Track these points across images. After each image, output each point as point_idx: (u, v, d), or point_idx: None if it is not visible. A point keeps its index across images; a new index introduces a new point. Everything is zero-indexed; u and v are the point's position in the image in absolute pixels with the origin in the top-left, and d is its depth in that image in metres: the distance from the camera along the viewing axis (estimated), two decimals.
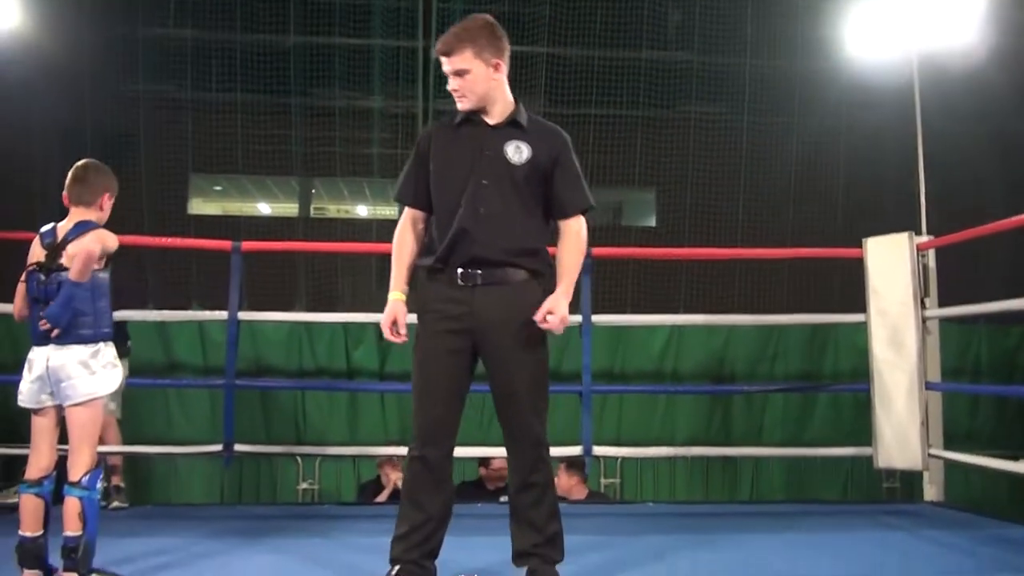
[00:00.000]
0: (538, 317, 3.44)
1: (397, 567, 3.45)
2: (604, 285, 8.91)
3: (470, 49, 3.49)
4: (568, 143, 3.64)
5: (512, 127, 3.58)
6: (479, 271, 3.48)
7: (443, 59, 3.52)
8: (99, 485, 3.72)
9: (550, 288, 3.56)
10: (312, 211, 13.99)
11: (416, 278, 3.68)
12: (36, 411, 3.80)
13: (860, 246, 6.37)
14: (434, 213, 3.61)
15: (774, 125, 11.30)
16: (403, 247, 3.67)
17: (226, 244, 6.29)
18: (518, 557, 3.57)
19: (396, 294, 3.61)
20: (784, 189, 10.85)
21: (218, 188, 14.88)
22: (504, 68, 3.55)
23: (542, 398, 3.57)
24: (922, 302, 6.12)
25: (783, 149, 11.08)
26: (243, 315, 6.40)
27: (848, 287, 7.05)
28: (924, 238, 6.40)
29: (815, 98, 11.08)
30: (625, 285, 9.36)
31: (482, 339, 3.50)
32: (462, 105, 3.56)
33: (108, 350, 3.82)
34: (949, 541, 4.82)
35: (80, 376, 3.71)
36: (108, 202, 3.95)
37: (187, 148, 10.26)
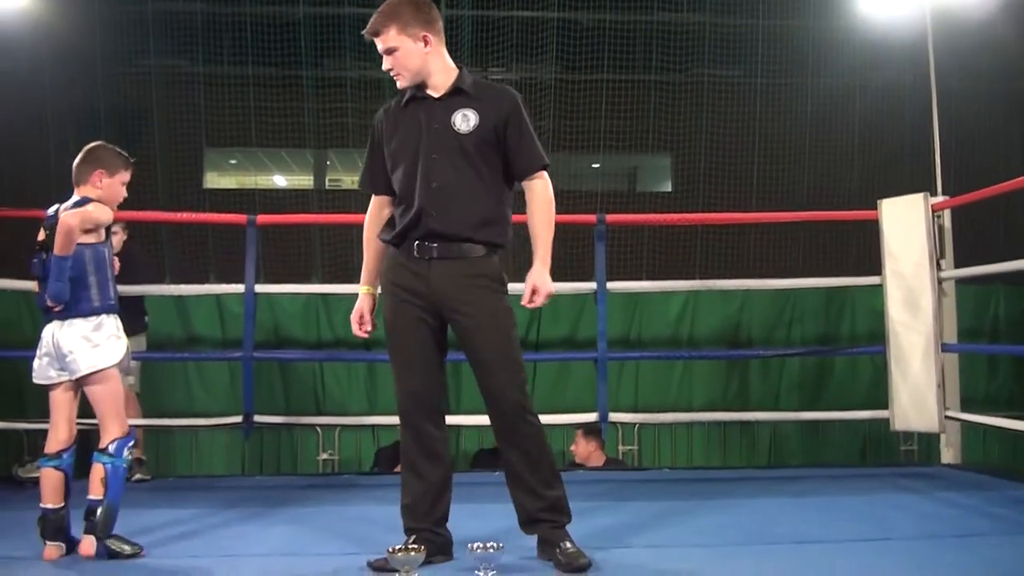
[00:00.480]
0: (524, 300, 3.50)
1: (413, 536, 3.48)
2: (619, 251, 8.91)
3: (394, 27, 3.47)
4: (518, 101, 3.60)
5: (457, 95, 3.55)
6: (435, 245, 3.49)
7: (377, 41, 3.52)
8: (126, 454, 3.78)
9: (516, 257, 3.58)
10: (327, 183, 14.01)
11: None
12: (49, 387, 3.87)
13: (875, 208, 6.34)
14: (396, 193, 3.63)
15: (788, 86, 11.23)
16: (371, 238, 3.72)
17: (241, 218, 6.33)
18: (525, 524, 3.59)
19: (364, 288, 3.69)
20: (799, 151, 10.80)
21: (233, 161, 14.90)
22: (435, 39, 3.51)
23: (516, 365, 3.55)
24: (938, 263, 6.10)
25: (797, 111, 11.02)
26: (260, 288, 6.45)
27: (864, 249, 7.04)
28: (939, 198, 6.36)
29: (829, 58, 11.00)
30: (640, 251, 9.35)
31: (443, 312, 3.52)
32: (400, 83, 3.55)
33: (111, 321, 3.87)
34: (965, 503, 4.82)
35: (81, 350, 3.77)
36: (104, 179, 3.94)
37: (200, 122, 10.28)
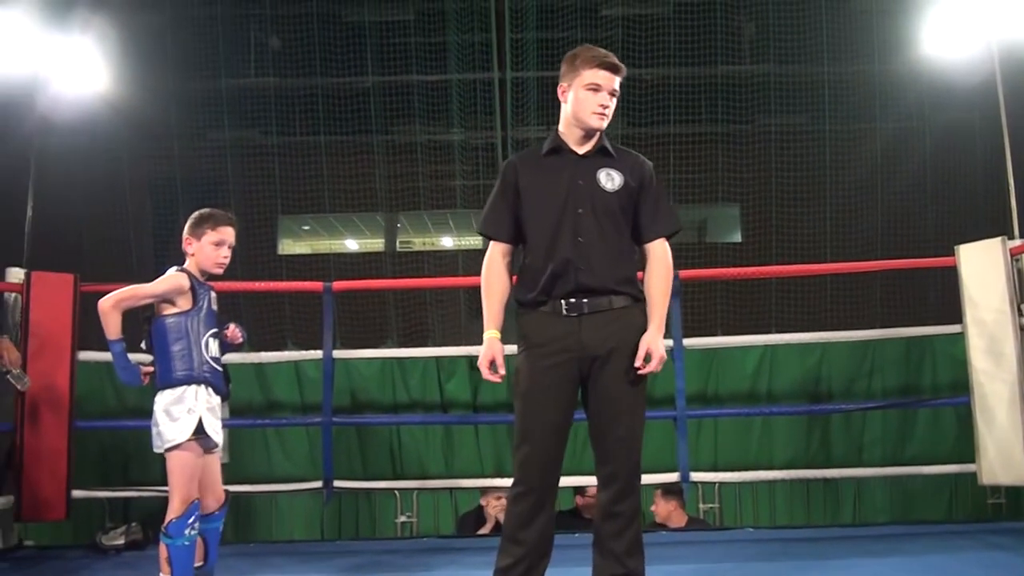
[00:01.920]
0: (638, 363, 3.47)
1: None
2: (693, 306, 8.86)
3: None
4: (652, 169, 3.69)
5: (601, 155, 3.63)
6: (584, 300, 3.50)
7: (615, 78, 3.60)
8: (187, 531, 3.80)
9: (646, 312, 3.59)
10: (398, 245, 14.19)
11: (514, 310, 3.71)
12: None
13: (953, 253, 6.24)
14: (528, 245, 3.63)
15: (856, 132, 11.16)
16: (494, 283, 3.67)
17: (318, 285, 6.44)
18: None
19: (492, 332, 3.61)
20: (871, 197, 10.69)
21: (306, 228, 15.17)
22: None
23: (641, 425, 3.57)
24: (1019, 309, 5.97)
25: (867, 156, 10.92)
26: (337, 353, 6.53)
27: (943, 295, 6.91)
28: (1017, 242, 6.25)
29: (896, 101, 10.92)
30: (714, 305, 9.30)
31: (589, 367, 3.50)
32: (603, 124, 3.60)
33: (192, 392, 3.90)
34: None
35: (164, 423, 3.85)
36: (192, 243, 4.05)
37: (275, 191, 10.50)
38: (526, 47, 9.89)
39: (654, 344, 3.49)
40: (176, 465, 3.84)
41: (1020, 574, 4.42)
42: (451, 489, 7.61)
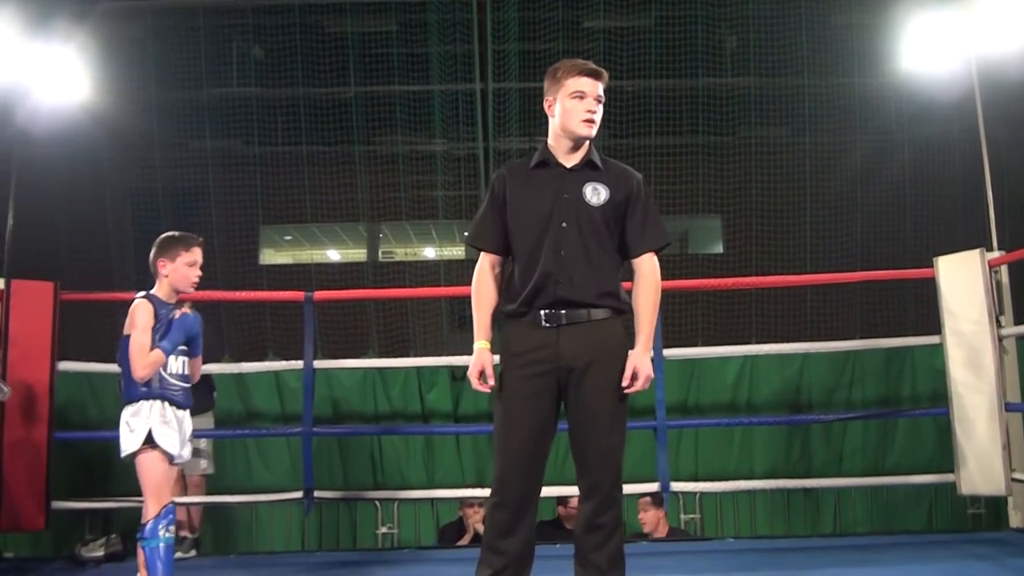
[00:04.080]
0: (624, 383, 3.48)
1: None
2: (673, 316, 8.87)
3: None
4: (642, 183, 3.67)
5: (588, 168, 3.63)
6: (563, 311, 3.50)
7: (599, 84, 3.60)
8: (161, 532, 3.93)
9: (628, 325, 3.59)
10: (380, 255, 14.16)
11: (499, 321, 3.72)
12: None
13: (931, 265, 6.27)
14: (515, 257, 3.65)
15: (837, 145, 11.19)
16: (483, 294, 3.69)
17: (299, 295, 6.43)
18: None
19: (481, 343, 3.64)
20: (851, 209, 10.72)
21: (288, 238, 15.15)
22: None
23: (622, 437, 3.57)
24: (997, 320, 6.01)
25: (847, 168, 10.96)
26: (318, 363, 6.52)
27: (923, 306, 6.94)
28: (996, 254, 6.30)
29: (876, 115, 10.97)
30: (695, 315, 9.31)
31: (567, 378, 3.51)
32: (592, 132, 3.61)
33: (148, 406, 4.10)
34: None
35: (124, 434, 4.07)
36: (167, 264, 4.23)
37: (256, 201, 10.46)
38: (508, 58, 9.89)
39: (640, 363, 3.50)
40: (143, 470, 4.04)
41: None
42: (432, 500, 7.61)
